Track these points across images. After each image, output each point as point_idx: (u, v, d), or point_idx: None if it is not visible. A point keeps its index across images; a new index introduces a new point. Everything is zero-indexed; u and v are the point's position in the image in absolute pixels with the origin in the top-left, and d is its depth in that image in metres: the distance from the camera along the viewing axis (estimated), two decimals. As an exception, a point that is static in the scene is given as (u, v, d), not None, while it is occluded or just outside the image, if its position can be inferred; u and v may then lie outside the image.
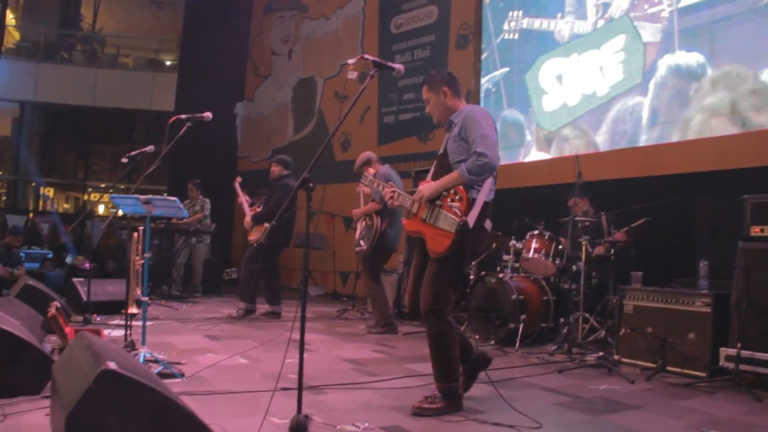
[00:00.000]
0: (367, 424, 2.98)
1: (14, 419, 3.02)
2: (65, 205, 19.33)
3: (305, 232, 3.14)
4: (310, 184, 2.95)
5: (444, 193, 3.57)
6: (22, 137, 17.52)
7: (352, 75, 3.31)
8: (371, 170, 6.64)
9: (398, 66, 3.46)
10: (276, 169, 7.46)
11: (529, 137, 8.44)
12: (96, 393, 2.17)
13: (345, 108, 11.69)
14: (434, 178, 3.71)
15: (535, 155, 8.36)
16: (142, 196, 4.11)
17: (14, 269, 8.73)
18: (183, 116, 4.65)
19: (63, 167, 19.59)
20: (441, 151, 3.80)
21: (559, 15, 8.10)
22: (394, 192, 3.87)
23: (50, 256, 11.17)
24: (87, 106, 16.99)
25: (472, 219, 3.46)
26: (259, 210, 7.40)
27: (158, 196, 4.24)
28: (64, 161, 19.78)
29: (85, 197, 19.70)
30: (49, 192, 19.94)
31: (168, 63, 19.05)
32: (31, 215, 16.06)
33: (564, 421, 3.52)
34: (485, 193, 3.55)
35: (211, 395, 3.68)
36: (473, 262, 6.86)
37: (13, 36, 19.04)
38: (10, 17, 19.11)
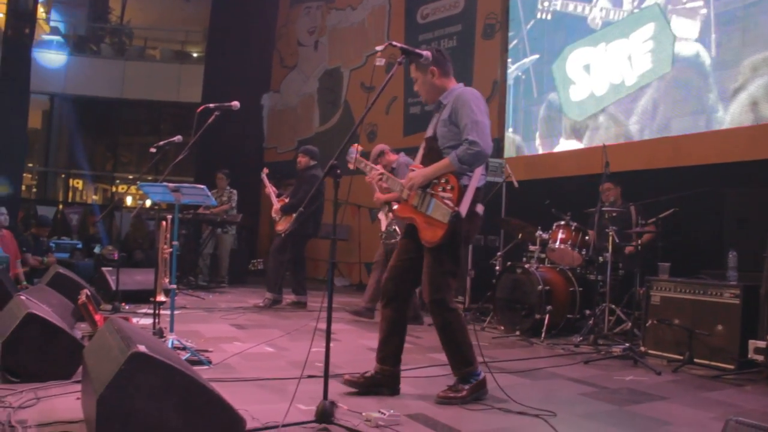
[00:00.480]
0: (392, 411, 2.99)
1: (47, 402, 3.08)
2: (94, 197, 19.59)
3: (332, 221, 3.16)
4: (338, 171, 2.96)
5: (434, 180, 3.52)
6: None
7: (380, 62, 3.26)
8: (382, 158, 6.54)
9: (426, 53, 3.46)
10: (303, 160, 7.47)
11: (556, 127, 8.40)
12: (126, 375, 2.21)
13: (372, 99, 11.67)
14: (424, 162, 3.65)
15: (562, 145, 8.30)
16: (170, 184, 4.16)
17: (44, 258, 8.90)
18: (211, 105, 4.68)
19: (92, 159, 19.82)
20: (430, 133, 3.70)
21: (594, 0, 7.99)
22: (382, 174, 3.82)
23: (79, 246, 11.35)
24: (115, 98, 17.19)
25: (464, 208, 3.41)
26: (286, 201, 7.44)
27: (186, 184, 4.28)
28: (93, 153, 20.02)
29: (114, 189, 19.94)
30: (78, 184, 20.23)
31: (195, 55, 19.17)
32: (60, 206, 16.31)
33: (589, 410, 3.52)
34: (477, 179, 3.50)
35: (238, 382, 3.73)
36: (499, 253, 6.85)
37: (43, 29, 19.28)
38: (40, 11, 19.38)
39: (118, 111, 18.40)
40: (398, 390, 3.64)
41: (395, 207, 3.81)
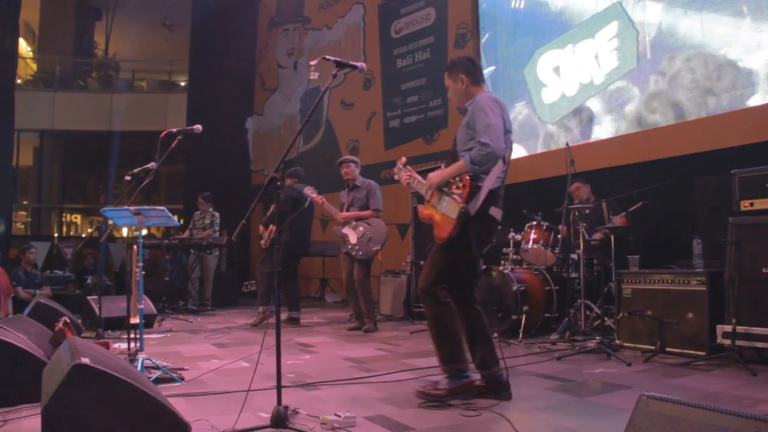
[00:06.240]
0: (348, 413, 3.05)
1: (14, 424, 3.15)
2: (89, 230, 19.72)
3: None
4: (278, 183, 3.05)
5: (451, 180, 3.64)
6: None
7: (314, 76, 3.37)
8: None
9: (360, 64, 3.57)
10: (288, 181, 7.69)
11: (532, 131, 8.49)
12: (69, 386, 2.28)
13: (352, 115, 11.84)
14: (447, 164, 3.79)
15: (539, 148, 8.38)
16: (132, 207, 4.24)
17: (36, 290, 8.94)
18: (173, 130, 4.78)
19: (85, 192, 19.96)
20: (455, 137, 3.87)
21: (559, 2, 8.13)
22: (410, 176, 3.97)
23: (72, 278, 11.45)
24: (103, 130, 17.34)
25: (473, 206, 3.51)
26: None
27: (148, 207, 4.35)
28: (86, 187, 20.16)
29: (110, 222, 20.04)
30: (76, 219, 20.35)
31: (182, 83, 19.36)
32: (55, 240, 16.40)
33: (550, 403, 3.56)
34: (492, 181, 3.58)
35: (206, 395, 3.79)
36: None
37: (30, 67, 19.52)
38: (27, 50, 19.62)
39: (107, 144, 18.52)
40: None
41: (419, 208, 3.90)
